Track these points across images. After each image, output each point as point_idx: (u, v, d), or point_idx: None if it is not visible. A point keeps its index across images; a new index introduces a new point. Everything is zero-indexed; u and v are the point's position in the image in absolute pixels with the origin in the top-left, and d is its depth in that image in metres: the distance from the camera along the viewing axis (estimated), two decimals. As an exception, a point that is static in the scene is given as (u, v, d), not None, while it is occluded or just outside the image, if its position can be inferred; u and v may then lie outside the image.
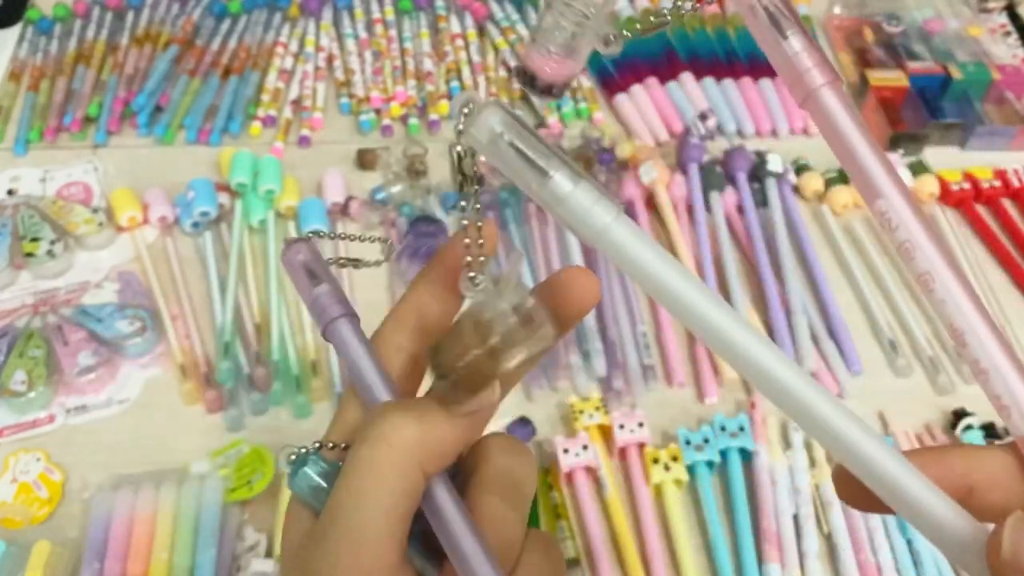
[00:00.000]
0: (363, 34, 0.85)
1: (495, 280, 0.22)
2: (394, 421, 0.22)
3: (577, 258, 0.66)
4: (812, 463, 0.58)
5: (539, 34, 0.22)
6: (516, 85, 0.82)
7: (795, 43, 0.22)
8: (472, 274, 0.22)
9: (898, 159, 0.77)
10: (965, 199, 0.76)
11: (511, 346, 0.21)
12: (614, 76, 0.84)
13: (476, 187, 0.22)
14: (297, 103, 0.80)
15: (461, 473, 0.26)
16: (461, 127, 0.20)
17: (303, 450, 0.25)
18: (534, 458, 0.26)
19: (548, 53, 0.21)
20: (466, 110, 0.20)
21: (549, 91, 0.22)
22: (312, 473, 0.24)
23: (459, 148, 0.21)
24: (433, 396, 0.23)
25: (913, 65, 0.83)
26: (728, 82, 0.83)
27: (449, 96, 0.80)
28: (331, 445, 0.25)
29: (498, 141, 0.20)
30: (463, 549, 0.23)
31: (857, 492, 0.23)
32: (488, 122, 0.20)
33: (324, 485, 0.24)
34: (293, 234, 0.69)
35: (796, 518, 0.56)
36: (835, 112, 0.21)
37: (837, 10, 0.93)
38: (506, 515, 0.25)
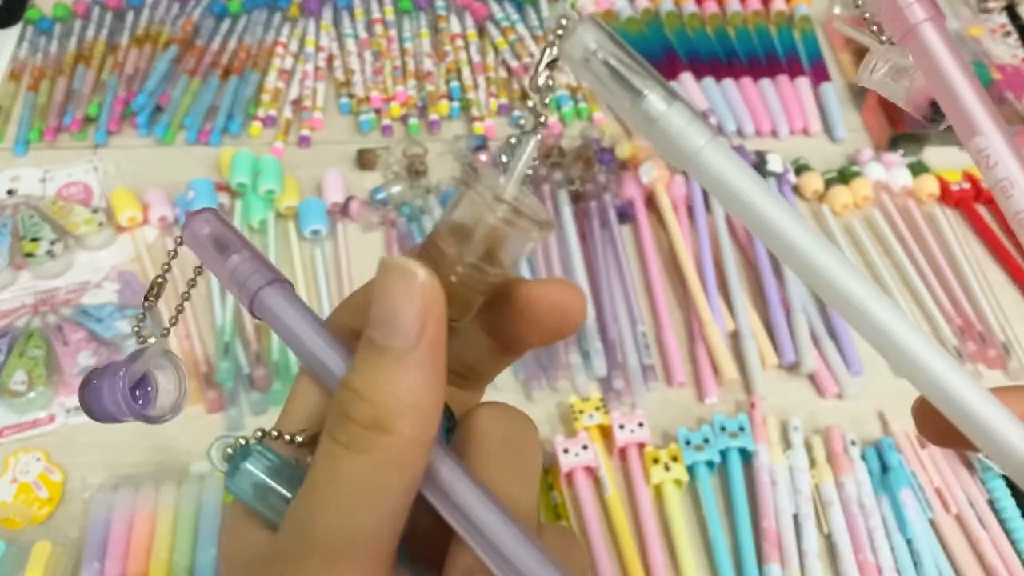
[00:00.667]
0: (363, 34, 0.85)
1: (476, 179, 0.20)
2: (398, 395, 0.17)
3: (577, 258, 0.66)
4: (812, 463, 0.58)
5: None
6: (515, 86, 0.82)
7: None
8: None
9: (898, 159, 0.77)
10: (965, 199, 0.76)
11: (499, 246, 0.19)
12: (614, 76, 0.83)
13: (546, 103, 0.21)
14: (297, 103, 0.80)
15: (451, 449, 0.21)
16: (555, 41, 0.20)
17: (243, 441, 0.20)
18: (534, 424, 0.22)
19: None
20: (563, 23, 0.20)
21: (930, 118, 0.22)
22: (255, 470, 0.20)
23: (547, 60, 0.20)
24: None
25: (913, 65, 0.83)
26: (728, 82, 0.83)
27: (449, 96, 0.80)
28: (276, 434, 0.20)
29: (592, 59, 0.20)
30: (488, 523, 0.19)
31: (937, 427, 0.20)
32: (583, 38, 0.19)
33: (272, 484, 0.20)
34: (293, 234, 0.69)
35: (796, 518, 0.56)
36: (936, 48, 0.21)
37: (837, 10, 0.93)
38: (517, 492, 0.20)
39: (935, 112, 0.22)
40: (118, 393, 0.22)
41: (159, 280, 0.23)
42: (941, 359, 0.20)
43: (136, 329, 0.23)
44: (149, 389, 0.23)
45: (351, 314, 0.22)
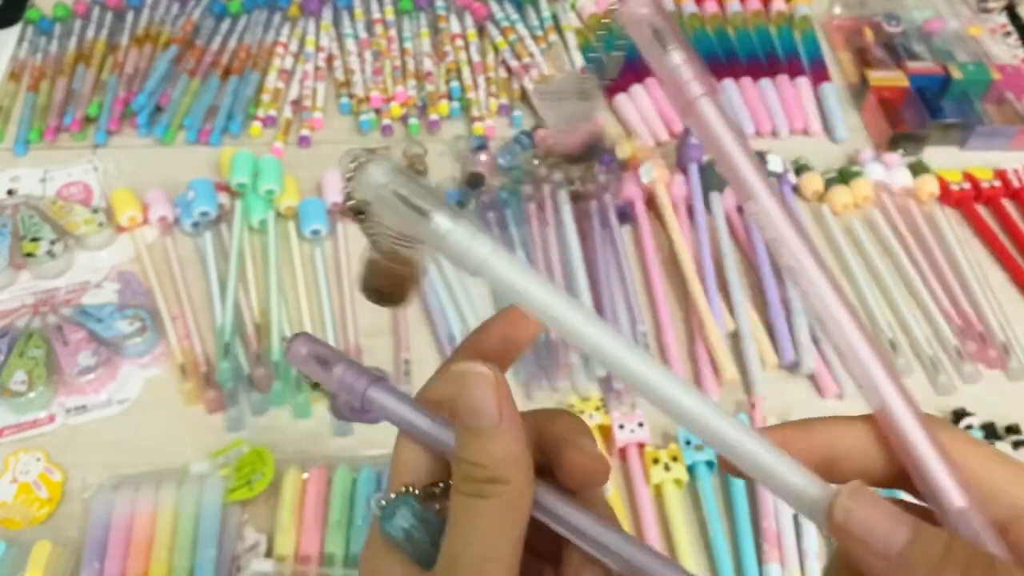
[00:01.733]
0: (363, 34, 0.85)
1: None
2: (502, 456, 0.23)
3: (577, 258, 0.66)
4: (812, 463, 0.58)
5: (549, 124, 0.26)
6: (515, 86, 0.82)
7: (676, 56, 0.24)
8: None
9: (898, 159, 0.77)
10: (965, 199, 0.76)
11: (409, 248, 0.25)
12: (614, 76, 0.84)
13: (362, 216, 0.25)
14: (297, 103, 0.80)
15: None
16: (349, 180, 0.23)
17: (397, 495, 0.26)
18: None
19: (566, 131, 0.25)
20: (353, 165, 0.23)
21: (579, 158, 0.25)
22: (407, 518, 0.25)
23: (350, 200, 0.24)
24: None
25: (913, 65, 0.83)
26: (728, 82, 0.83)
27: (449, 96, 0.80)
28: (416, 490, 0.26)
29: (384, 191, 0.23)
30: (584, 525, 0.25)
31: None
32: (374, 175, 0.23)
33: (419, 530, 0.25)
34: (293, 234, 0.69)
35: (796, 518, 0.56)
36: (712, 122, 0.23)
37: (837, 10, 0.93)
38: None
39: (580, 154, 0.25)
40: (352, 412, 0.28)
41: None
42: (710, 408, 0.24)
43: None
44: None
45: (433, 401, 0.27)
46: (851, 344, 0.23)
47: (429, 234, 0.23)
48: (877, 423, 0.24)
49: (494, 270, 0.23)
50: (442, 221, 0.22)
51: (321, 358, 0.28)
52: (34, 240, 0.66)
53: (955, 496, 0.21)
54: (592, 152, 0.24)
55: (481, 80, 0.82)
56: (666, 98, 0.81)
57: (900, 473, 0.23)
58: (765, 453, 0.23)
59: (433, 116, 0.79)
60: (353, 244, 0.69)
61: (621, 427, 0.58)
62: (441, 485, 0.26)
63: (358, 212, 0.24)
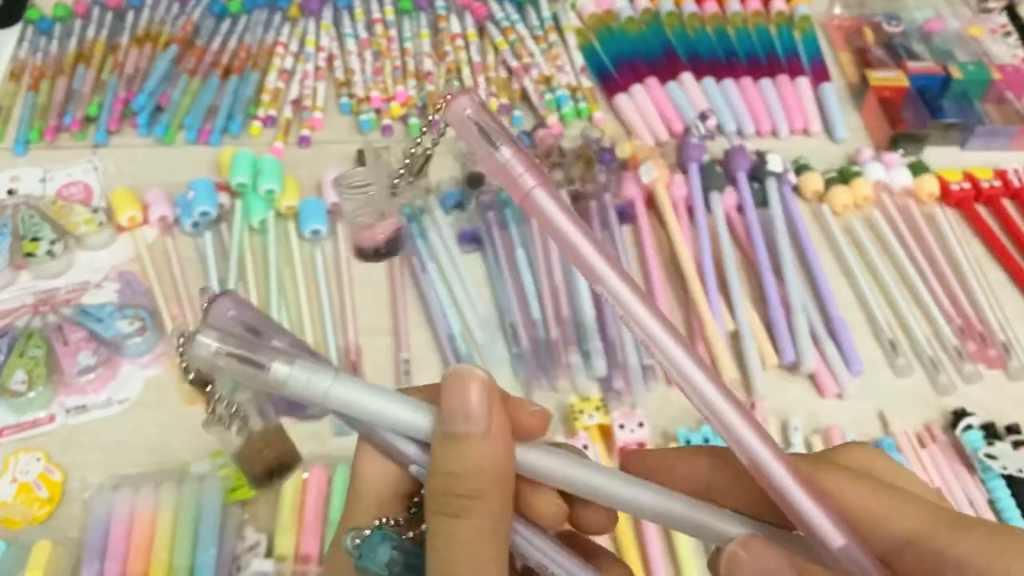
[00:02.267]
0: (363, 34, 0.85)
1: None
2: (486, 467, 0.22)
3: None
4: (812, 463, 0.58)
5: (347, 217, 0.27)
6: (515, 86, 0.82)
7: (505, 152, 0.24)
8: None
9: (898, 159, 0.77)
10: (965, 199, 0.76)
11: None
12: (614, 76, 0.84)
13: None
14: (297, 103, 0.80)
15: None
16: (182, 355, 0.24)
17: (373, 529, 0.24)
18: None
19: (365, 225, 0.26)
20: (181, 341, 0.23)
21: (382, 254, 0.27)
22: (387, 552, 0.24)
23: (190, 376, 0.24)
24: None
25: (913, 65, 0.83)
26: (728, 82, 0.83)
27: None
28: (391, 521, 0.25)
29: (218, 356, 0.23)
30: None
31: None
32: (203, 346, 0.23)
33: (400, 563, 0.24)
34: (293, 234, 0.69)
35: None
36: (549, 210, 0.24)
37: (837, 10, 0.93)
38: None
39: (379, 251, 0.27)
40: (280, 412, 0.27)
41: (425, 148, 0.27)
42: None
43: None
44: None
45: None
46: (706, 398, 0.23)
47: (271, 384, 0.23)
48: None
49: (339, 398, 0.23)
50: (279, 368, 0.23)
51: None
52: (34, 240, 0.66)
53: (834, 536, 0.21)
54: (393, 248, 0.24)
55: (481, 80, 0.82)
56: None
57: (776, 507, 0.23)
58: (671, 503, 0.24)
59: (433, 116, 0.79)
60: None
61: (621, 427, 0.58)
62: (414, 509, 0.25)
63: (205, 384, 0.25)
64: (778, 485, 0.22)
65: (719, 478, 0.24)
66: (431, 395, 0.24)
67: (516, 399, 0.24)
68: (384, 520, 0.24)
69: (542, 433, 0.24)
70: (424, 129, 0.26)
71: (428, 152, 0.26)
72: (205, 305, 0.24)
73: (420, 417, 0.24)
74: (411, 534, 0.24)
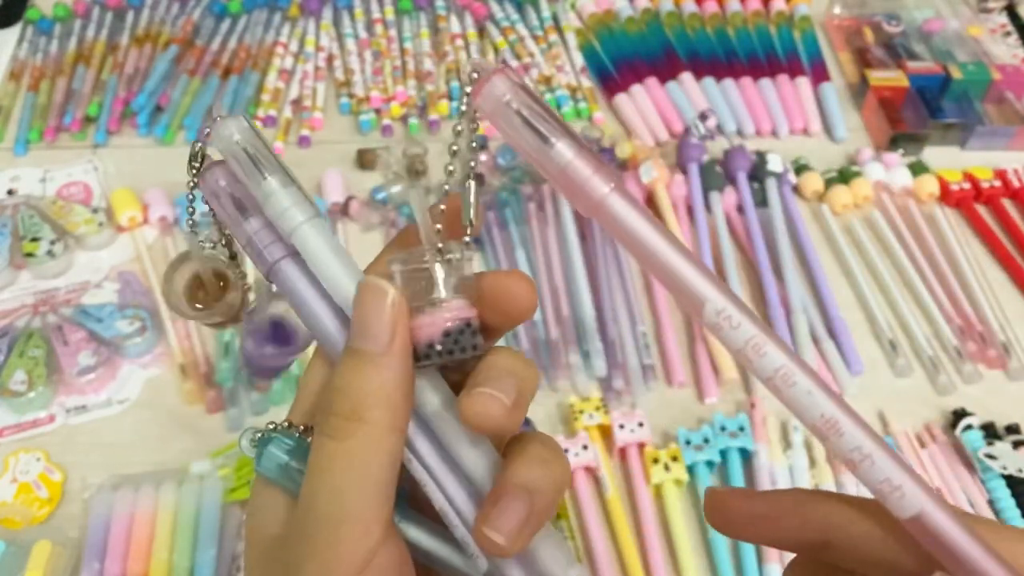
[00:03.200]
0: (363, 34, 0.85)
1: None
2: (372, 391, 0.21)
3: (577, 258, 0.66)
4: (812, 463, 0.58)
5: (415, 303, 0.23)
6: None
7: (564, 150, 0.20)
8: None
9: (898, 159, 0.77)
10: (965, 199, 0.76)
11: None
12: (614, 76, 0.84)
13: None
14: (297, 103, 0.80)
15: None
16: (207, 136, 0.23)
17: (267, 427, 0.24)
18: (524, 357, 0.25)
19: (419, 311, 0.22)
20: (214, 121, 0.23)
21: (438, 352, 0.22)
22: (278, 452, 0.24)
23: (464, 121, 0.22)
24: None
25: (913, 65, 0.83)
26: (728, 82, 0.83)
27: (449, 96, 0.80)
28: (288, 424, 0.24)
29: (234, 145, 0.23)
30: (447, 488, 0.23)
31: (725, 518, 0.23)
32: (228, 128, 0.23)
33: (292, 462, 0.24)
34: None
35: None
36: (630, 221, 0.20)
37: (837, 10, 0.93)
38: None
39: (435, 355, 0.22)
40: (264, 350, 0.26)
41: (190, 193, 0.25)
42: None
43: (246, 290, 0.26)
44: (282, 330, 0.27)
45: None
46: (872, 445, 0.20)
47: (260, 193, 0.23)
48: (881, 511, 0.21)
49: (304, 237, 0.23)
50: (272, 182, 0.23)
51: (239, 201, 0.24)
52: (34, 240, 0.66)
53: None
54: (454, 345, 0.22)
55: (481, 80, 0.82)
56: (664, 104, 0.81)
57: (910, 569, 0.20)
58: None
59: (433, 116, 0.79)
60: (353, 244, 0.69)
61: (621, 427, 0.58)
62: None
63: (202, 160, 0.24)
64: (949, 536, 0.19)
65: (845, 535, 0.21)
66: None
67: (494, 273, 0.23)
68: (279, 424, 0.24)
69: (529, 302, 0.23)
70: (458, 129, 0.22)
71: (473, 169, 0.23)
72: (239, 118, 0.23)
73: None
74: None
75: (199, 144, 0.23)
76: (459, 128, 0.22)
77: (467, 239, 0.23)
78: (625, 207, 0.20)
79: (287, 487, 0.24)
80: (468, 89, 0.21)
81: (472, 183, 0.23)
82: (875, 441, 0.20)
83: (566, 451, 0.56)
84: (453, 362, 0.22)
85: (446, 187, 0.24)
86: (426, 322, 0.22)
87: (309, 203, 0.23)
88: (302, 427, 0.25)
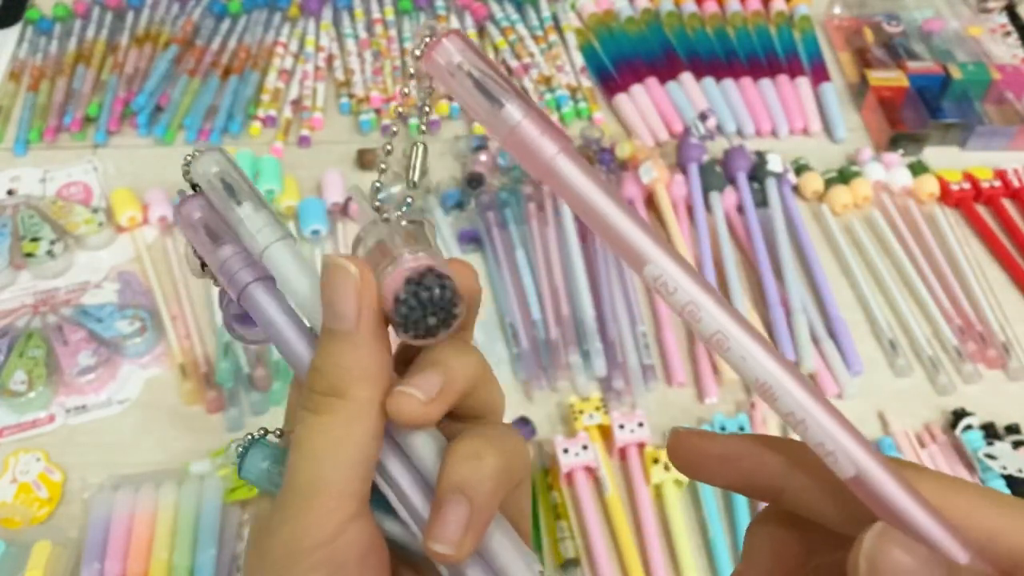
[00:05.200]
0: (363, 34, 0.85)
1: None
2: (348, 367, 0.22)
3: (577, 258, 0.66)
4: (812, 463, 0.58)
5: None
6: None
7: (513, 110, 0.20)
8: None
9: (898, 159, 0.77)
10: (965, 199, 0.76)
11: None
12: (614, 76, 0.84)
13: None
14: (297, 103, 0.80)
15: None
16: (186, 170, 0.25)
17: (249, 436, 0.25)
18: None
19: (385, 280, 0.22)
20: (195, 153, 0.25)
21: (400, 303, 0.22)
22: (259, 457, 0.25)
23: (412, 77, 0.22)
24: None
25: (913, 65, 0.83)
26: (728, 82, 0.83)
27: (449, 96, 0.80)
28: (278, 432, 0.25)
29: (212, 177, 0.25)
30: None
31: (688, 458, 0.23)
32: (204, 163, 0.25)
33: (275, 468, 0.25)
34: (293, 234, 0.69)
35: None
36: (575, 181, 0.20)
37: (837, 10, 0.93)
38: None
39: (405, 307, 0.22)
40: (247, 331, 0.26)
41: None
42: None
43: (213, 280, 0.26)
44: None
45: None
46: (808, 410, 0.20)
47: (233, 217, 0.24)
48: (851, 491, 0.20)
49: (274, 257, 0.24)
50: (247, 207, 0.24)
51: (212, 230, 0.25)
52: (34, 240, 0.66)
53: (958, 553, 0.19)
54: (428, 287, 0.22)
55: (481, 80, 0.82)
56: (664, 101, 0.81)
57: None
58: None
59: (433, 116, 0.79)
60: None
61: (621, 427, 0.58)
62: None
63: (194, 187, 0.25)
64: (887, 496, 0.19)
65: (798, 480, 0.21)
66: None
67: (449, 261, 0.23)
68: (261, 431, 0.25)
69: (471, 289, 0.24)
70: (399, 108, 0.24)
71: (419, 144, 0.24)
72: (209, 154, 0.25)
73: None
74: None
75: (186, 178, 0.25)
76: (405, 90, 0.23)
77: (408, 198, 0.24)
78: (573, 168, 0.20)
79: (272, 492, 0.24)
80: (417, 52, 0.21)
81: (421, 146, 0.24)
82: (817, 404, 0.20)
83: (565, 451, 0.56)
84: (434, 324, 0.22)
85: (388, 147, 0.25)
86: (388, 281, 0.22)
87: (279, 226, 0.24)
88: (283, 432, 0.26)
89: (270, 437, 0.25)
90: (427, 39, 0.21)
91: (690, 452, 0.23)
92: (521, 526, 0.25)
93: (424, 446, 0.23)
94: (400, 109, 0.25)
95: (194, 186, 0.25)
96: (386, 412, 0.22)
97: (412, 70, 0.22)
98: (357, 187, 0.26)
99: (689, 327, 0.21)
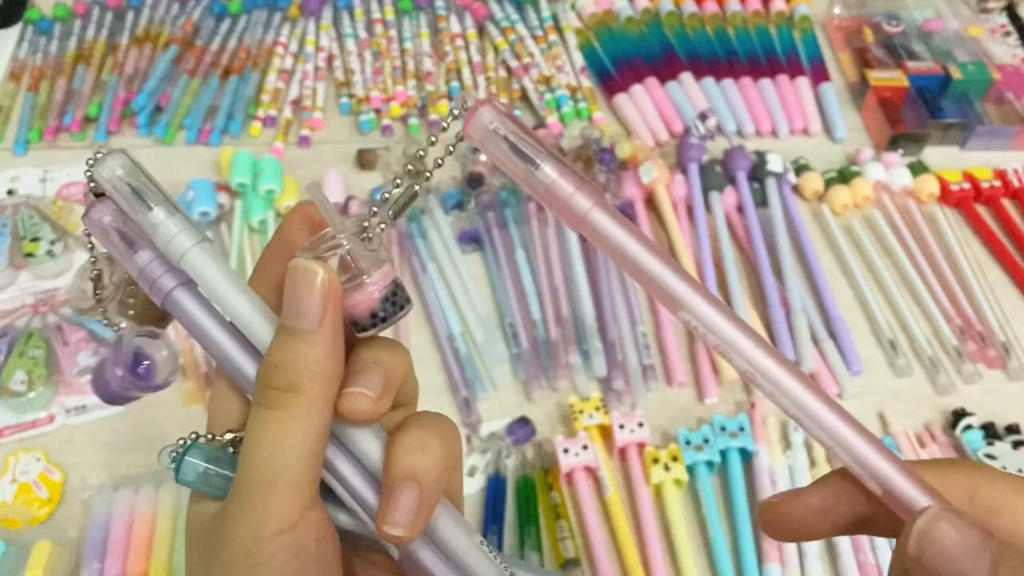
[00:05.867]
0: (363, 34, 0.85)
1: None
2: (308, 365, 0.23)
3: (577, 258, 0.66)
4: (812, 463, 0.58)
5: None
6: (515, 86, 0.82)
7: (548, 170, 0.22)
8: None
9: (898, 159, 0.77)
10: (965, 199, 0.76)
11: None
12: (614, 76, 0.84)
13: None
14: (297, 103, 0.80)
15: None
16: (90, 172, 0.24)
17: (181, 441, 0.25)
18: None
19: (352, 289, 0.23)
20: (97, 154, 0.24)
21: (382, 317, 0.24)
22: (197, 460, 0.25)
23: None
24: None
25: (913, 65, 0.83)
26: (728, 82, 0.83)
27: (449, 96, 0.80)
28: (212, 436, 0.26)
29: (119, 181, 0.24)
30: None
31: (782, 527, 0.25)
32: (110, 165, 0.24)
33: (212, 468, 0.25)
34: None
35: (796, 518, 0.56)
36: (612, 233, 0.22)
37: (837, 10, 0.93)
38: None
39: (379, 320, 0.24)
40: (118, 376, 0.26)
41: (94, 270, 0.26)
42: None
43: (105, 321, 0.27)
44: (146, 363, 0.27)
45: (264, 290, 0.26)
46: (839, 438, 0.22)
47: (145, 225, 0.24)
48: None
49: (194, 263, 0.24)
50: (158, 213, 0.23)
51: (126, 235, 0.24)
52: (34, 240, 0.66)
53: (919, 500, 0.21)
54: (393, 307, 0.24)
55: (481, 80, 0.82)
56: (665, 102, 0.81)
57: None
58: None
59: (433, 116, 0.79)
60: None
61: (621, 427, 0.58)
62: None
63: (98, 196, 0.24)
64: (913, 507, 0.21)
65: (877, 506, 0.23)
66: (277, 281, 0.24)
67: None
68: (201, 435, 0.25)
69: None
70: (430, 156, 0.24)
71: (415, 191, 0.25)
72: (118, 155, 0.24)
73: (266, 325, 0.24)
74: (233, 450, 0.25)
75: (90, 183, 0.24)
76: (442, 154, 0.24)
77: (381, 224, 0.24)
78: (606, 220, 0.22)
79: (210, 493, 0.25)
80: (458, 117, 0.23)
81: (417, 188, 0.25)
82: (847, 428, 0.22)
83: (565, 451, 0.56)
84: (393, 322, 0.24)
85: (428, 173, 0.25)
86: (360, 298, 0.23)
87: (195, 229, 0.24)
88: (222, 436, 0.26)
89: (201, 440, 0.26)
90: (464, 109, 0.23)
91: (787, 519, 0.25)
92: (457, 502, 0.27)
93: (367, 439, 0.25)
94: (409, 167, 0.25)
95: (99, 193, 0.24)
96: (335, 409, 0.24)
97: (455, 137, 0.24)
98: (316, 184, 0.25)
99: (725, 360, 0.22)
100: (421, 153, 0.25)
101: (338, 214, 0.24)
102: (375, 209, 0.24)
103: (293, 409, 0.23)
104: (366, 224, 0.24)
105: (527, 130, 0.22)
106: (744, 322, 0.22)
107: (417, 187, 0.25)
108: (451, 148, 0.24)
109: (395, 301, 0.24)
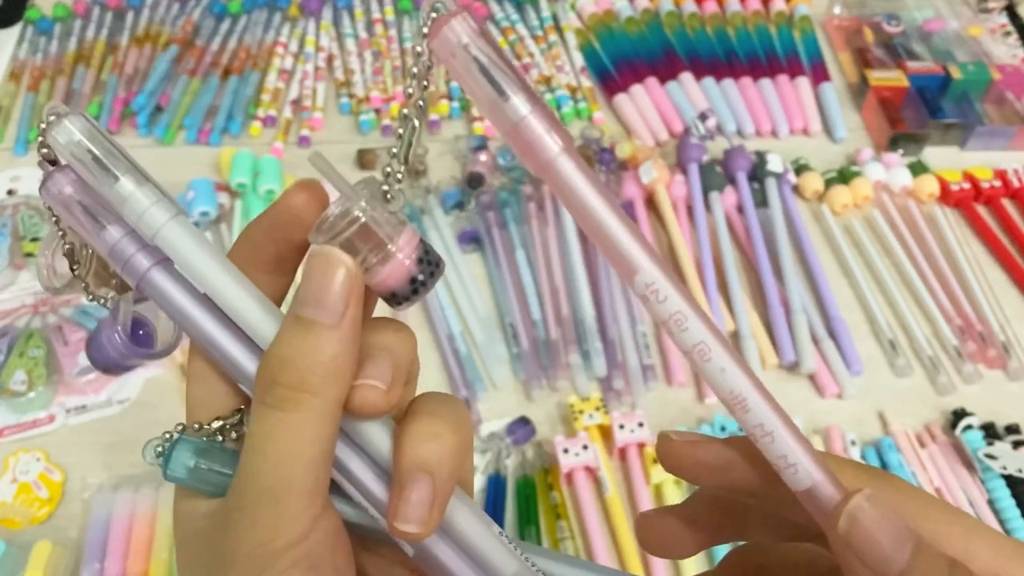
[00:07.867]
0: (363, 34, 0.85)
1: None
2: (324, 362, 0.21)
3: (577, 258, 0.66)
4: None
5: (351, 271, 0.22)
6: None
7: (518, 105, 0.20)
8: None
9: (898, 159, 0.77)
10: (965, 199, 0.76)
11: None
12: (614, 76, 0.84)
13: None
14: (297, 103, 0.80)
15: None
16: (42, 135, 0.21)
17: (168, 435, 0.23)
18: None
19: (380, 262, 0.21)
20: (50, 118, 0.20)
21: (421, 282, 0.22)
22: (185, 454, 0.22)
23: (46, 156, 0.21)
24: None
25: (913, 65, 0.83)
26: (728, 82, 0.83)
27: (449, 96, 0.80)
28: (198, 426, 0.23)
29: (77, 146, 0.20)
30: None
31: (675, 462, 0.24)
32: (67, 129, 0.20)
33: (202, 463, 0.23)
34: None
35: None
36: (576, 183, 0.20)
37: (837, 10, 0.93)
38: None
39: (398, 297, 0.22)
40: (116, 339, 0.23)
41: (65, 243, 0.23)
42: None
43: (90, 296, 0.24)
44: (142, 331, 0.24)
45: (249, 268, 0.23)
46: (775, 424, 0.21)
47: (112, 198, 0.21)
48: (805, 505, 0.22)
49: (170, 239, 0.21)
50: (126, 185, 0.20)
51: (90, 209, 0.21)
52: (34, 240, 0.66)
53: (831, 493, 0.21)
54: (431, 269, 0.21)
55: (481, 80, 0.82)
56: (667, 99, 0.81)
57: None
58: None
59: (433, 116, 0.79)
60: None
61: (621, 427, 0.58)
62: (237, 415, 0.23)
63: (53, 163, 0.21)
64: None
65: (779, 490, 0.23)
66: (269, 267, 0.23)
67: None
68: (189, 426, 0.23)
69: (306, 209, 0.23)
70: (414, 73, 0.21)
71: (414, 124, 0.22)
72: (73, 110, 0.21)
73: (256, 309, 0.22)
74: (223, 439, 0.23)
75: (42, 150, 0.21)
76: (409, 90, 0.21)
77: (400, 175, 0.22)
78: (573, 169, 0.20)
79: (201, 489, 0.23)
80: (425, 30, 0.20)
81: (416, 123, 0.22)
82: (780, 419, 0.21)
83: (565, 451, 0.56)
84: (433, 284, 0.22)
85: (405, 111, 0.22)
86: (392, 268, 0.21)
87: (170, 201, 0.21)
88: (203, 425, 0.24)
89: (188, 432, 0.23)
90: (433, 16, 0.20)
91: (681, 458, 0.24)
92: (468, 488, 0.25)
93: (374, 429, 0.23)
94: (406, 111, 0.22)
95: (53, 161, 0.21)
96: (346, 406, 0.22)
97: (418, 48, 0.20)
98: (319, 154, 0.22)
99: (671, 336, 0.21)
100: (410, 91, 0.22)
101: (346, 181, 0.21)
102: (388, 168, 0.21)
103: (304, 412, 0.21)
104: (386, 178, 0.21)
105: (502, 55, 0.20)
106: (694, 298, 0.21)
107: (416, 121, 0.22)
108: (425, 83, 0.21)
109: (429, 260, 0.21)
